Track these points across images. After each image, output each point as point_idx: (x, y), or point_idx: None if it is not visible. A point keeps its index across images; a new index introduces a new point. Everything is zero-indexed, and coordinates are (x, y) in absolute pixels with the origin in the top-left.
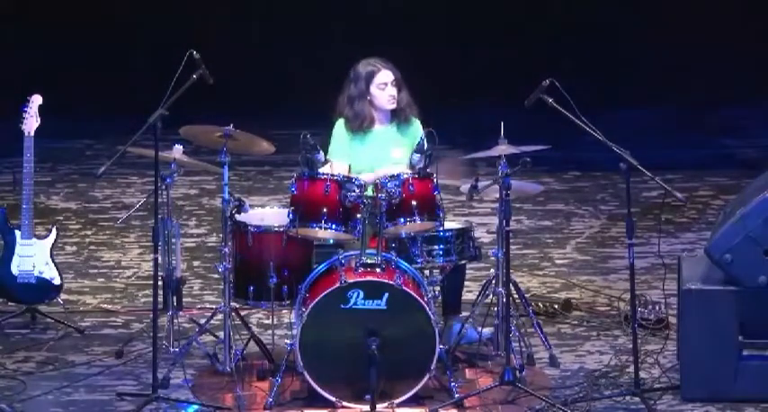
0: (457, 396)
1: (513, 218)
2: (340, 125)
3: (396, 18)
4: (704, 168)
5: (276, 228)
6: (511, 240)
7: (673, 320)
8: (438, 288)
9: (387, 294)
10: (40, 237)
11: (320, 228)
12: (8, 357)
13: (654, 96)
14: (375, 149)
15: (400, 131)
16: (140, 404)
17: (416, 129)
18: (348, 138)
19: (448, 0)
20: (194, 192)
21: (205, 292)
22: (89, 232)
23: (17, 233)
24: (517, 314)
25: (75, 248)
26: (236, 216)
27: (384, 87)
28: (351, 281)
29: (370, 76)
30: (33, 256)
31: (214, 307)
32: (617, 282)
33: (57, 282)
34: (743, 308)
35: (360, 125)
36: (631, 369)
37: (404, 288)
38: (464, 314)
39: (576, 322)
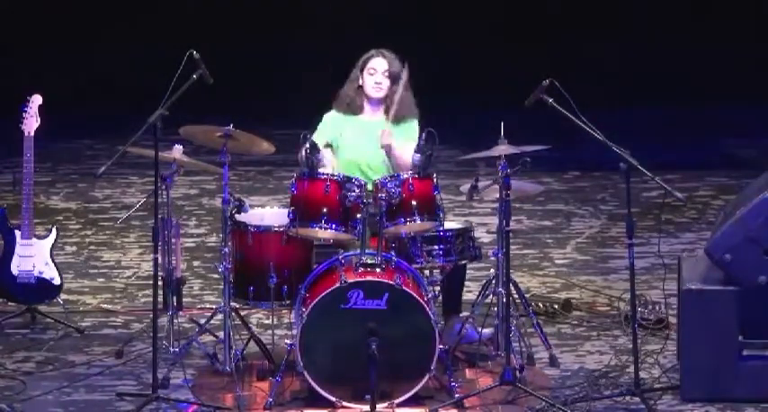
0: (457, 396)
1: (513, 218)
2: (329, 113)
3: (397, 18)
4: (704, 168)
5: (276, 228)
6: (511, 240)
7: (673, 320)
8: (438, 288)
9: (387, 294)
10: (40, 237)
11: (320, 228)
12: (8, 357)
13: (654, 96)
14: (361, 136)
15: (396, 128)
16: (140, 404)
17: (411, 128)
18: (333, 123)
19: None
20: (194, 192)
21: (205, 292)
22: (89, 232)
23: (17, 233)
24: (517, 314)
25: (75, 248)
26: (236, 216)
27: (373, 72)
28: (351, 281)
29: (365, 61)
30: (33, 256)
31: (214, 307)
32: (617, 282)
33: (57, 282)
34: (743, 308)
35: (346, 107)
36: (631, 369)
37: (404, 288)
38: (464, 314)
39: (576, 322)
